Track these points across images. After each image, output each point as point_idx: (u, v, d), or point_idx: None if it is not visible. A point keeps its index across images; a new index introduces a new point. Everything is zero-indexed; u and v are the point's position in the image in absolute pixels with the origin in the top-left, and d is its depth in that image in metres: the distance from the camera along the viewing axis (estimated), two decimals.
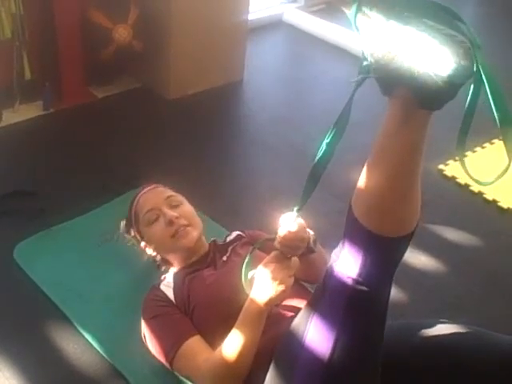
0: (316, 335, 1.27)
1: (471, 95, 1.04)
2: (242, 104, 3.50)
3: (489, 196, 2.66)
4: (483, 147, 2.93)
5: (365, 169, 1.19)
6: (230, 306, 1.61)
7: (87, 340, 1.88)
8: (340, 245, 1.26)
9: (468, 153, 2.90)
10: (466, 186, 2.70)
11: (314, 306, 1.31)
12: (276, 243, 1.48)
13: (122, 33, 3.02)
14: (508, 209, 2.61)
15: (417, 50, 1.02)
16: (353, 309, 1.24)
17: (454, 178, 2.76)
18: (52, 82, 3.03)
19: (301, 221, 1.48)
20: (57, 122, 3.00)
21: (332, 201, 2.47)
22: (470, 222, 2.56)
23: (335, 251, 1.27)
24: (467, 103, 1.06)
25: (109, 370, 1.81)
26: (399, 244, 1.22)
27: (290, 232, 1.45)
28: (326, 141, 1.27)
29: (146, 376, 1.76)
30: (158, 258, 1.89)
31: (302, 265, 1.69)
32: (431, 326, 1.53)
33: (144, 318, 1.74)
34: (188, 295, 1.72)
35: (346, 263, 1.23)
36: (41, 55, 3.00)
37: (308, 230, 1.56)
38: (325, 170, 1.29)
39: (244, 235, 1.95)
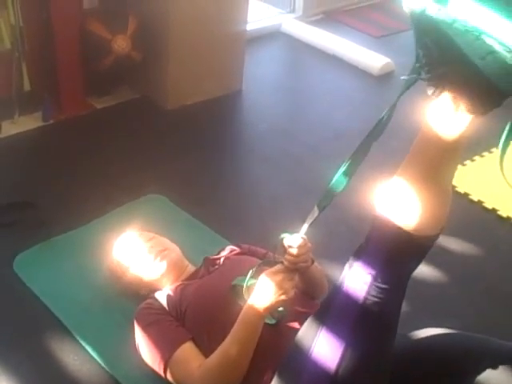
0: (323, 349, 1.27)
1: None
2: (240, 114, 3.51)
3: (488, 205, 2.66)
4: (464, 165, 2.92)
5: (401, 168, 1.21)
6: (222, 304, 1.63)
7: (87, 351, 1.87)
8: (349, 261, 1.26)
9: (467, 162, 2.91)
10: (466, 194, 2.70)
11: (322, 319, 1.30)
12: (285, 260, 1.50)
13: (121, 43, 3.02)
14: (507, 217, 2.61)
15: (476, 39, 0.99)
16: (361, 326, 1.25)
17: (453, 186, 2.75)
18: (51, 93, 3.04)
19: (303, 236, 1.50)
20: (56, 133, 3.01)
21: (329, 210, 2.46)
22: (470, 230, 2.56)
23: (345, 268, 1.28)
24: None
25: (109, 381, 1.80)
26: (429, 242, 1.25)
27: (298, 252, 1.48)
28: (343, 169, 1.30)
29: None
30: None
31: (305, 277, 1.71)
32: (431, 334, 1.53)
33: (137, 327, 1.75)
34: (180, 299, 1.73)
35: (354, 283, 1.23)
36: (40, 66, 3.01)
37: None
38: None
39: (238, 249, 1.96)
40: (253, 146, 3.09)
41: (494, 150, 2.97)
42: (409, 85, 1.17)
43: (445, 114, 1.12)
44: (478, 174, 2.80)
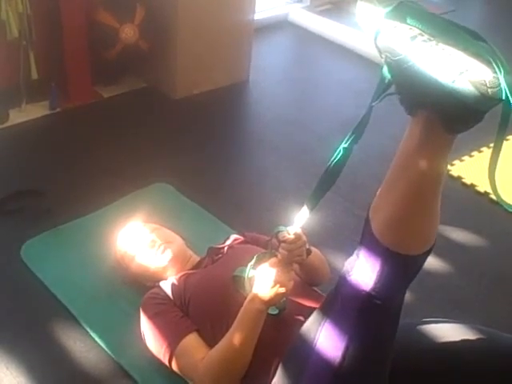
0: (327, 341, 1.27)
1: (501, 122, 1.01)
2: (247, 104, 3.51)
3: (494, 196, 2.65)
4: (471, 156, 2.92)
5: (384, 185, 1.18)
6: (225, 294, 1.64)
7: (94, 339, 1.89)
8: (355, 254, 1.26)
9: (474, 153, 2.90)
10: (472, 186, 2.70)
11: (326, 312, 1.31)
12: (279, 254, 1.52)
13: (129, 33, 3.02)
14: None
15: (440, 68, 0.99)
16: (365, 319, 1.24)
17: (460, 178, 2.76)
18: (58, 82, 3.04)
19: (298, 230, 1.50)
20: (63, 121, 3.01)
21: (337, 200, 2.46)
22: (476, 222, 2.56)
23: (349, 260, 1.27)
24: (498, 129, 1.02)
25: (115, 368, 1.81)
26: (417, 260, 1.22)
27: (290, 247, 1.50)
28: (344, 145, 1.26)
29: (152, 374, 1.77)
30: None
31: (304, 268, 1.72)
32: (441, 329, 1.53)
33: (142, 316, 1.76)
34: (184, 288, 1.74)
35: (361, 275, 1.22)
36: (47, 55, 3.01)
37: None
38: (340, 174, 1.29)
39: (242, 237, 1.97)
40: (260, 135, 3.09)
41: (484, 149, 2.96)
42: (381, 99, 1.16)
43: (421, 133, 1.09)
44: (485, 166, 2.80)
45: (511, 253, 2.41)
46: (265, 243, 1.90)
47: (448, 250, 2.38)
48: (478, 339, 1.48)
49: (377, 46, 1.09)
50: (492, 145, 1.06)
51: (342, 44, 3.96)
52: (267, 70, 3.70)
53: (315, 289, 1.83)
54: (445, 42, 0.99)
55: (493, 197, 2.64)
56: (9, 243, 2.22)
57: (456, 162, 2.85)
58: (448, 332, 1.51)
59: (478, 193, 2.68)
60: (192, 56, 3.20)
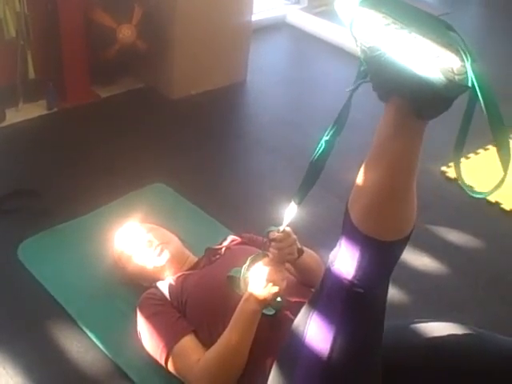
0: (315, 334, 1.28)
1: (467, 108, 1.05)
2: (244, 104, 3.51)
3: (491, 198, 2.66)
4: (477, 153, 2.93)
5: (360, 172, 1.19)
6: (221, 295, 1.65)
7: (91, 339, 1.88)
8: (337, 245, 1.27)
9: (471, 155, 2.91)
10: (469, 187, 2.70)
11: (313, 305, 1.32)
12: (270, 253, 1.55)
13: (126, 33, 3.02)
14: (510, 210, 2.61)
15: (411, 55, 1.02)
16: (350, 309, 1.25)
17: (456, 179, 2.76)
18: (56, 82, 3.04)
19: (287, 229, 1.53)
20: (60, 121, 3.01)
21: (331, 199, 2.47)
22: (473, 223, 2.56)
23: (333, 252, 1.28)
24: (463, 115, 1.06)
25: (112, 368, 1.81)
26: (395, 247, 1.23)
27: (279, 245, 1.53)
28: (325, 138, 1.30)
29: (149, 374, 1.76)
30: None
31: (298, 268, 1.73)
32: (431, 326, 1.53)
33: (139, 317, 1.76)
34: (181, 289, 1.75)
35: (343, 264, 1.23)
36: (45, 55, 3.01)
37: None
38: (323, 167, 1.32)
39: (240, 238, 1.98)
40: (257, 136, 3.09)
41: (489, 146, 2.97)
42: (355, 89, 1.22)
43: (394, 119, 1.11)
44: (481, 167, 2.80)
45: (508, 254, 2.42)
46: (262, 244, 1.91)
47: (444, 251, 2.38)
48: (467, 337, 1.49)
49: (352, 34, 1.13)
50: (488, 147, 1.08)
51: (339, 45, 3.96)
52: (265, 70, 3.70)
53: (312, 290, 1.83)
54: (417, 30, 1.01)
55: (490, 198, 2.65)
56: (6, 243, 2.21)
57: (452, 163, 2.85)
58: (437, 330, 1.52)
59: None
60: (190, 56, 3.20)
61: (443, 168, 2.83)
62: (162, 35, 3.15)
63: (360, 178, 1.19)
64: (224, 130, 3.11)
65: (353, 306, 1.25)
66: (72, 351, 1.86)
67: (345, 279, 1.22)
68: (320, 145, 1.30)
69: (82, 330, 1.91)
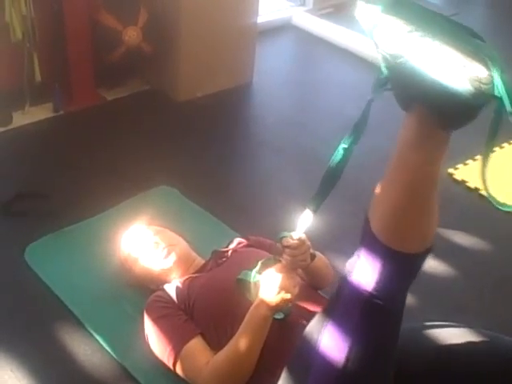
0: (330, 343, 1.27)
1: (493, 119, 1.00)
2: (250, 106, 3.51)
3: (499, 199, 2.65)
4: (475, 159, 2.90)
5: (381, 183, 1.17)
6: (229, 298, 1.64)
7: (98, 341, 1.88)
8: (355, 255, 1.25)
9: (478, 156, 2.90)
10: (476, 189, 2.70)
11: (329, 313, 1.30)
12: (283, 260, 1.52)
13: (132, 35, 3.03)
14: None
15: (436, 64, 0.99)
16: (367, 319, 1.24)
17: (463, 181, 2.76)
18: (62, 84, 3.04)
19: (302, 235, 1.50)
20: (66, 124, 3.02)
21: (340, 202, 2.46)
22: (480, 225, 2.55)
23: (350, 261, 1.26)
24: (489, 126, 1.02)
25: (119, 371, 1.81)
26: (418, 259, 1.21)
27: (294, 252, 1.50)
28: (343, 146, 1.26)
29: (156, 377, 1.76)
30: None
31: (309, 272, 1.72)
32: (440, 331, 1.53)
33: (146, 319, 1.76)
34: (188, 292, 1.74)
35: (362, 275, 1.22)
36: (51, 57, 3.01)
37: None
38: (340, 175, 1.29)
39: (246, 241, 1.97)
40: (263, 138, 3.09)
41: (505, 145, 2.96)
42: (378, 94, 1.17)
43: (416, 129, 1.09)
44: (488, 169, 2.80)
45: None
46: (269, 247, 1.91)
47: (451, 253, 2.38)
48: (479, 341, 1.48)
49: (373, 41, 1.10)
50: (495, 149, 1.06)
51: (344, 47, 3.96)
52: (270, 72, 3.70)
53: (319, 292, 1.83)
54: (441, 38, 0.99)
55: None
56: (13, 245, 2.22)
57: (460, 165, 2.84)
58: (450, 335, 1.51)
59: (482, 196, 2.67)
60: (195, 58, 3.20)
61: (450, 170, 2.82)
62: (167, 37, 3.15)
63: (381, 189, 1.17)
64: (230, 132, 3.11)
65: (370, 316, 1.24)
66: (79, 354, 1.86)
67: (364, 290, 1.21)
68: (337, 152, 1.27)
69: (88, 332, 1.91)
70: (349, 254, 1.28)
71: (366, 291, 1.21)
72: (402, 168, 1.13)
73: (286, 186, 2.70)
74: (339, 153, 1.27)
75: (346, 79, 3.67)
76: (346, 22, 4.16)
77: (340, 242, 2.27)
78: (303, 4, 4.45)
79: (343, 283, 1.27)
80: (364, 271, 1.22)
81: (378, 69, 1.14)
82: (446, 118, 1.05)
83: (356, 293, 1.23)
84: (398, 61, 1.05)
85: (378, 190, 1.18)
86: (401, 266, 1.20)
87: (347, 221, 2.37)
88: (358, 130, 1.24)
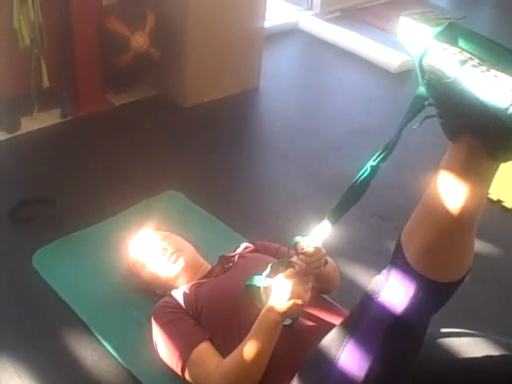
0: (349, 360, 1.26)
1: None
2: (258, 111, 3.51)
3: (508, 204, 2.64)
4: None
5: (419, 211, 1.15)
6: (236, 303, 1.63)
7: (105, 347, 1.88)
8: (383, 275, 1.24)
9: None
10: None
11: (350, 330, 1.29)
12: (298, 262, 1.49)
13: (139, 41, 3.03)
14: None
15: (489, 94, 0.96)
16: (391, 342, 1.23)
17: None
18: (70, 90, 3.05)
19: (318, 244, 1.48)
20: (74, 129, 3.03)
21: (359, 214, 2.44)
22: (489, 230, 2.52)
23: (376, 281, 1.25)
24: None
25: (126, 376, 1.81)
26: (452, 287, 1.20)
27: (309, 260, 1.47)
28: (372, 163, 1.24)
29: (164, 383, 1.75)
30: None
31: (319, 278, 1.71)
32: (458, 341, 1.52)
33: (154, 325, 1.75)
34: (195, 298, 1.74)
35: (391, 298, 1.20)
36: (59, 63, 3.03)
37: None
38: (365, 192, 1.28)
39: (253, 246, 1.96)
40: (270, 142, 3.09)
41: None
42: (422, 122, 1.13)
43: (464, 160, 1.06)
44: (497, 174, 2.78)
45: None
46: (275, 251, 1.90)
47: None
48: (494, 352, 1.47)
49: (421, 67, 1.06)
50: None
51: (351, 51, 3.96)
52: (277, 77, 3.70)
53: (325, 297, 1.82)
54: (497, 67, 0.97)
55: (506, 205, 2.63)
56: (20, 251, 2.22)
57: None
58: (464, 345, 1.49)
59: (492, 201, 2.65)
60: (202, 64, 3.21)
61: None
62: (174, 43, 3.16)
63: (419, 217, 1.15)
64: (237, 137, 3.11)
65: (394, 338, 1.23)
66: (86, 359, 1.86)
67: (392, 314, 1.20)
68: (365, 169, 1.25)
69: (96, 338, 1.91)
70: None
71: (394, 315, 1.19)
72: (445, 198, 1.09)
73: (293, 190, 2.69)
74: (367, 170, 1.26)
75: (353, 84, 3.67)
76: (352, 26, 4.17)
77: (345, 246, 2.25)
78: (310, 8, 4.45)
79: (368, 302, 1.25)
80: (393, 295, 1.20)
81: (416, 94, 1.11)
82: (498, 149, 1.02)
83: (383, 315, 1.21)
84: (452, 90, 1.01)
85: (415, 216, 1.16)
86: (435, 294, 1.19)
87: (353, 225, 2.35)
88: (389, 148, 1.22)
